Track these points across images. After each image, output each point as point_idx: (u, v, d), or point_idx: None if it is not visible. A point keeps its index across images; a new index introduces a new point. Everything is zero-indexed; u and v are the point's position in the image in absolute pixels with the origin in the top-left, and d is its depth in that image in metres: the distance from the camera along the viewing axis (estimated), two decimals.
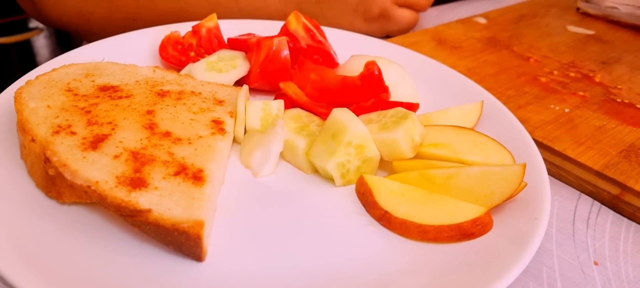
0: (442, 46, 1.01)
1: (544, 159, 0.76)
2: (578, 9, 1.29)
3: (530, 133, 0.79)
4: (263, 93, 0.80)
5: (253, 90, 0.80)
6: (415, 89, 0.81)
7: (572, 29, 1.18)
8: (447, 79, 0.85)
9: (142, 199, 0.54)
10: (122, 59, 0.79)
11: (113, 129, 0.62)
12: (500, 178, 0.60)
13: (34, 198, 0.58)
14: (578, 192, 0.75)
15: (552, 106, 0.86)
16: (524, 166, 0.60)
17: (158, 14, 1.04)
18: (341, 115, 0.65)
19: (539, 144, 0.77)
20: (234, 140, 0.70)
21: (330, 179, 0.65)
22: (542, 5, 1.30)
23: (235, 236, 0.57)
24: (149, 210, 0.53)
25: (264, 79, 0.77)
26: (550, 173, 0.78)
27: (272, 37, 0.78)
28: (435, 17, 1.23)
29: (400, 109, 0.69)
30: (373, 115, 0.69)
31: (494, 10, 1.22)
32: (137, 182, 0.56)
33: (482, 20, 1.15)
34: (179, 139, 0.63)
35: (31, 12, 1.15)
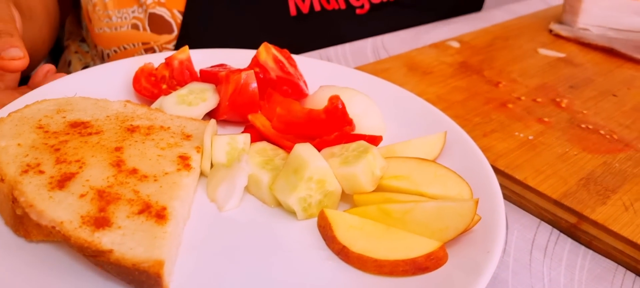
0: (413, 72, 1.04)
1: (506, 188, 0.79)
2: (551, 31, 1.32)
3: (494, 162, 0.81)
4: (233, 124, 0.83)
5: (223, 122, 0.83)
6: (382, 119, 0.83)
7: (543, 51, 1.21)
8: (415, 108, 0.87)
9: (105, 239, 0.56)
10: (96, 92, 0.81)
11: (81, 167, 0.64)
12: (454, 213, 0.62)
13: (2, 236, 0.60)
14: (538, 220, 0.77)
15: (516, 133, 0.89)
16: (477, 202, 0.62)
17: None
18: (302, 150, 0.67)
19: (501, 173, 0.80)
20: (201, 174, 0.72)
21: (293, 213, 0.67)
22: (515, 27, 1.32)
23: (198, 271, 0.59)
24: (110, 251, 0.55)
25: (232, 111, 0.80)
26: (511, 201, 0.80)
27: (241, 70, 0.80)
28: (411, 39, 1.25)
29: (362, 142, 0.71)
30: (336, 149, 0.72)
31: (467, 33, 1.25)
32: (101, 222, 0.58)
33: (455, 44, 1.18)
34: (145, 176, 0.65)
35: None
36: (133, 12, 1.11)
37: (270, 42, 0.88)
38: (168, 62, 0.86)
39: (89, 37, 1.25)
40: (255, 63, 0.86)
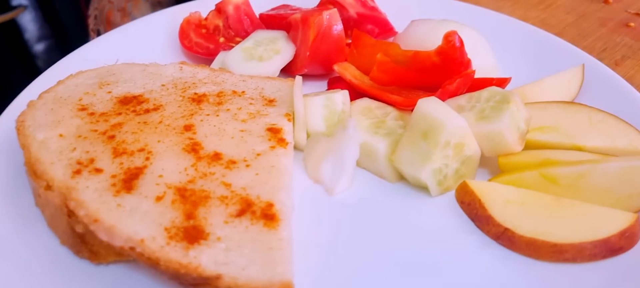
0: None
1: None
2: None
3: None
4: (312, 78, 0.66)
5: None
6: (493, 55, 0.67)
7: None
8: (526, 37, 0.71)
9: (204, 258, 0.41)
10: (138, 55, 0.65)
11: (147, 158, 0.49)
12: None
13: (60, 260, 0.45)
14: None
15: None
16: None
17: None
18: (431, 108, 0.51)
19: None
20: (295, 147, 0.56)
21: (423, 188, 0.52)
22: None
23: (322, 278, 0.45)
24: (217, 277, 0.40)
25: (315, 62, 0.63)
26: None
27: (319, 10, 0.63)
28: None
29: (495, 89, 0.55)
30: (463, 100, 0.56)
31: None
32: (193, 233, 0.43)
33: None
34: (233, 162, 0.49)
35: None
36: None
37: None
38: (220, 9, 0.69)
39: None
40: (327, 0, 0.69)
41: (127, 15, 1.02)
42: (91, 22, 1.08)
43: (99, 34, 1.09)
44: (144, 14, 1.02)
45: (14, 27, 2.00)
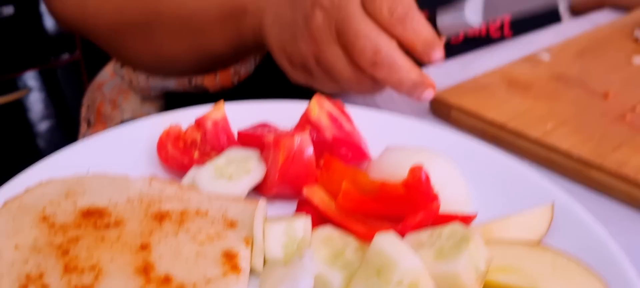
0: (514, 88, 0.95)
1: None
2: (637, 39, 1.19)
3: (635, 177, 0.70)
4: (282, 198, 0.67)
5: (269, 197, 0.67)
6: (466, 188, 0.67)
7: (638, 60, 1.08)
8: (503, 170, 0.71)
9: None
10: (116, 163, 0.66)
11: (97, 278, 0.48)
12: None
13: None
14: None
15: None
16: None
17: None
18: (387, 244, 0.51)
19: None
20: (251, 271, 0.56)
21: None
22: (600, 37, 1.21)
23: None
24: None
25: (284, 184, 0.64)
26: None
27: (291, 134, 0.65)
28: (458, 71, 1.09)
29: (456, 226, 0.55)
30: (424, 236, 0.56)
31: (554, 46, 1.13)
32: None
33: (546, 57, 1.08)
34: (182, 287, 0.49)
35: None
36: None
37: None
38: (199, 123, 0.71)
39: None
40: (305, 121, 0.71)
41: (117, 107, 1.08)
42: (83, 111, 1.15)
43: (89, 123, 1.14)
44: (133, 108, 1.07)
45: (18, 106, 2.07)
